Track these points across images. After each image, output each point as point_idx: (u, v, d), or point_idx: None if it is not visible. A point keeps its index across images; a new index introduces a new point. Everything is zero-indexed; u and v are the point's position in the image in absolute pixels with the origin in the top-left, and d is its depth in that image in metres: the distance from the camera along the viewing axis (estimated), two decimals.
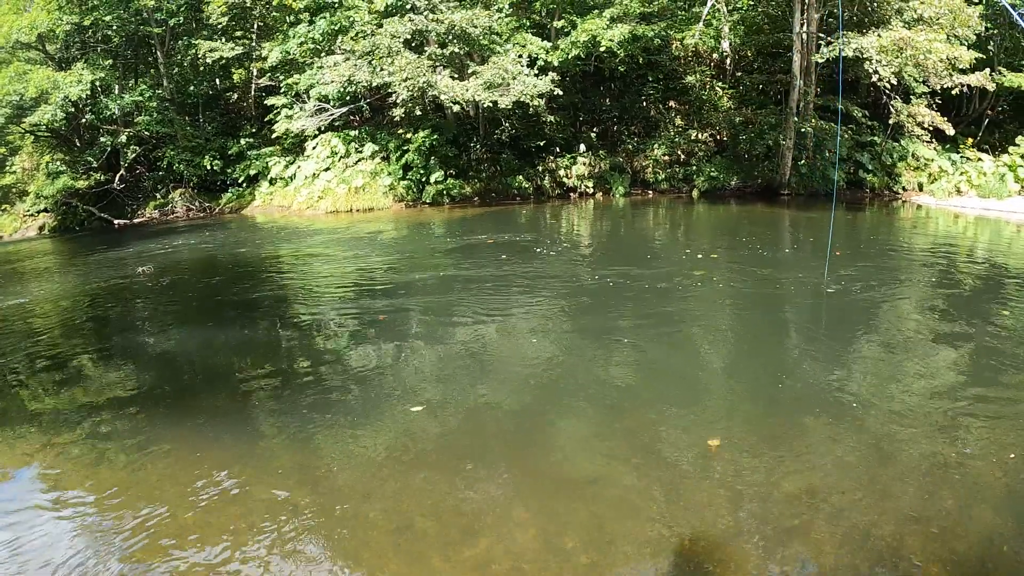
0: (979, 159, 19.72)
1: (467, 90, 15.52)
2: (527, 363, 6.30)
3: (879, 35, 15.70)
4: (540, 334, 7.06)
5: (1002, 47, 20.94)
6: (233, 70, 22.90)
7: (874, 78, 15.77)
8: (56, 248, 17.84)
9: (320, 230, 15.47)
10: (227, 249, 13.77)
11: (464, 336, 7.12)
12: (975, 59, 17.24)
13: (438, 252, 12.07)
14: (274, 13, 20.90)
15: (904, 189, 19.06)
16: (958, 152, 19.97)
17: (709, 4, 18.78)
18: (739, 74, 19.72)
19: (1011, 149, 19.96)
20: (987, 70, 16.96)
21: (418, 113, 16.23)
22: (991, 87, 17.27)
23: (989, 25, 21.08)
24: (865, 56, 15.76)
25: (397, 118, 16.36)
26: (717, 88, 19.12)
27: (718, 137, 18.75)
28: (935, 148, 19.93)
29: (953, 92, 17.50)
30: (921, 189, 19.22)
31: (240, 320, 8.31)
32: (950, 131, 17.10)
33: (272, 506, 4.13)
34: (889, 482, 4.18)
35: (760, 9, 19.60)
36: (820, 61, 16.49)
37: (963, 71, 16.74)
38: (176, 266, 12.27)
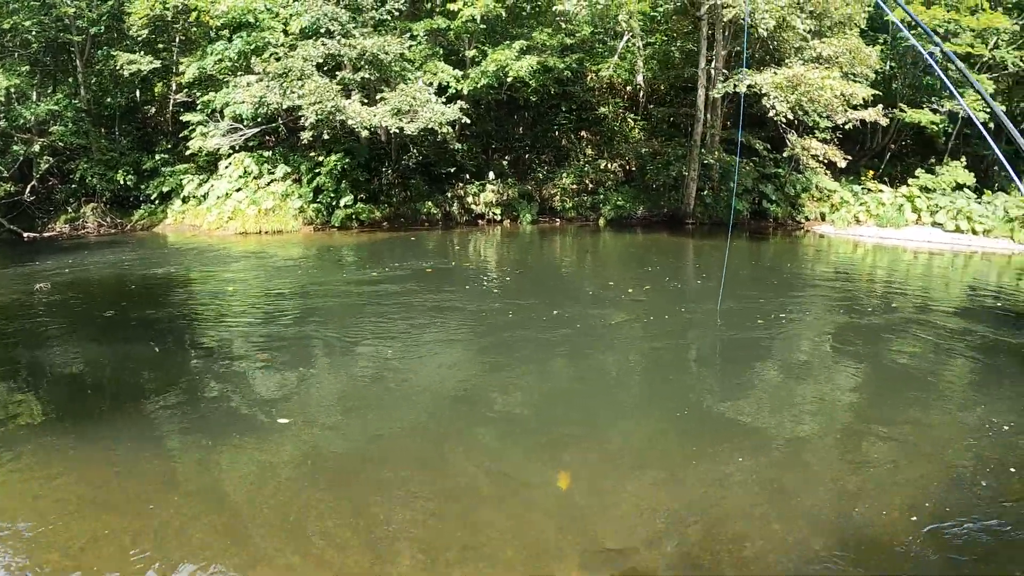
0: (879, 190, 20.65)
1: (375, 116, 15.65)
2: (427, 389, 6.51)
3: (775, 72, 16.37)
4: (442, 362, 7.26)
5: (905, 85, 22.00)
6: (156, 82, 22.57)
7: (771, 113, 16.43)
8: None
9: (228, 251, 15.37)
10: (134, 268, 13.60)
11: (366, 362, 7.27)
12: (873, 96, 18.07)
13: (344, 278, 12.15)
14: (194, 28, 20.74)
15: (807, 219, 19.83)
16: (860, 184, 20.88)
17: (625, 39, 19.30)
18: (651, 106, 20.21)
19: (910, 181, 20.98)
20: (879, 106, 17.79)
21: (326, 137, 16.29)
22: (884, 122, 18.11)
23: (894, 64, 22.13)
24: (763, 92, 16.42)
25: (305, 141, 16.40)
26: (629, 120, 19.63)
27: (627, 167, 19.25)
28: (838, 180, 20.80)
29: (849, 127, 18.31)
30: (824, 219, 20.02)
31: (132, 341, 8.25)
32: (842, 163, 17.86)
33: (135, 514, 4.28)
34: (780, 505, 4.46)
35: (678, 44, 20.23)
36: (716, 96, 17.10)
37: (858, 107, 17.55)
38: (79, 284, 12.06)
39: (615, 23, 17.47)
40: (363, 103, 16.33)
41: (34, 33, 20.80)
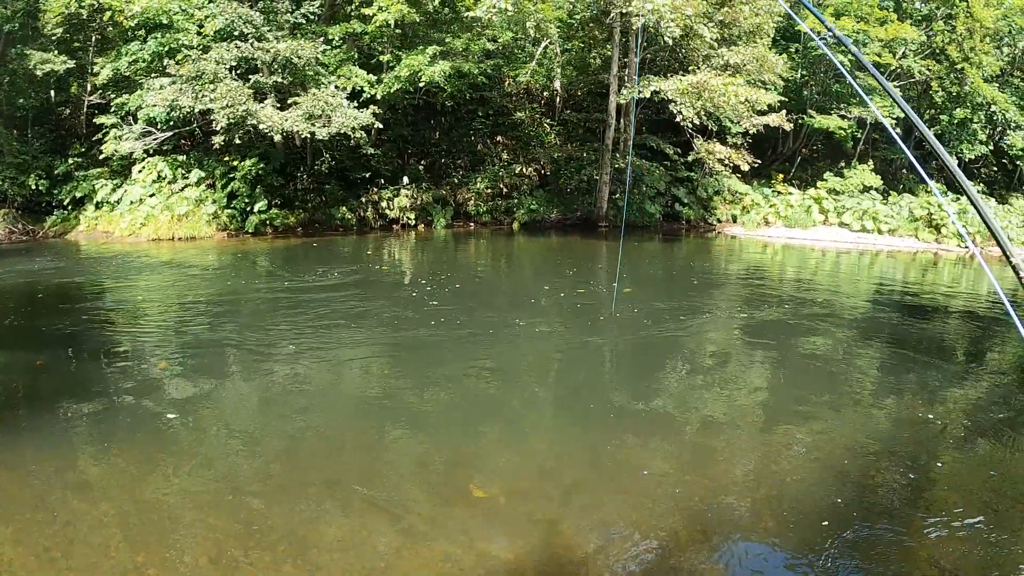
0: (789, 193, 21.35)
1: (286, 120, 15.57)
2: (340, 397, 6.50)
3: (679, 79, 16.79)
4: (356, 370, 7.26)
5: (816, 92, 22.76)
6: (71, 83, 21.99)
7: (678, 118, 16.84)
8: None
9: (139, 259, 15.04)
10: (41, 277, 13.12)
11: (282, 371, 7.19)
12: (779, 102, 18.66)
13: (255, 286, 12.01)
14: (110, 27, 20.28)
15: (719, 221, 20.40)
16: (770, 187, 21.56)
17: (543, 44, 19.53)
18: (567, 112, 20.54)
19: (819, 183, 21.74)
20: (783, 112, 18.38)
21: (238, 141, 16.14)
22: (788, 127, 18.72)
23: (805, 72, 22.87)
24: (670, 99, 16.83)
25: (217, 145, 16.22)
26: (545, 124, 19.89)
27: (542, 171, 19.53)
28: (750, 183, 21.43)
29: (757, 132, 18.85)
30: (735, 221, 20.62)
31: (38, 349, 8.03)
32: (745, 167, 18.38)
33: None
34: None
35: (596, 50, 20.57)
36: (622, 102, 17.45)
37: (763, 113, 18.10)
38: None
39: (529, 30, 17.70)
40: (276, 107, 16.23)
41: None
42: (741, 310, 10.63)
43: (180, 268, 13.93)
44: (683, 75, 17.02)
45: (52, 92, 21.93)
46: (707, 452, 5.49)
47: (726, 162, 17.99)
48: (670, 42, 16.80)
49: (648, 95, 16.05)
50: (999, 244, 2.19)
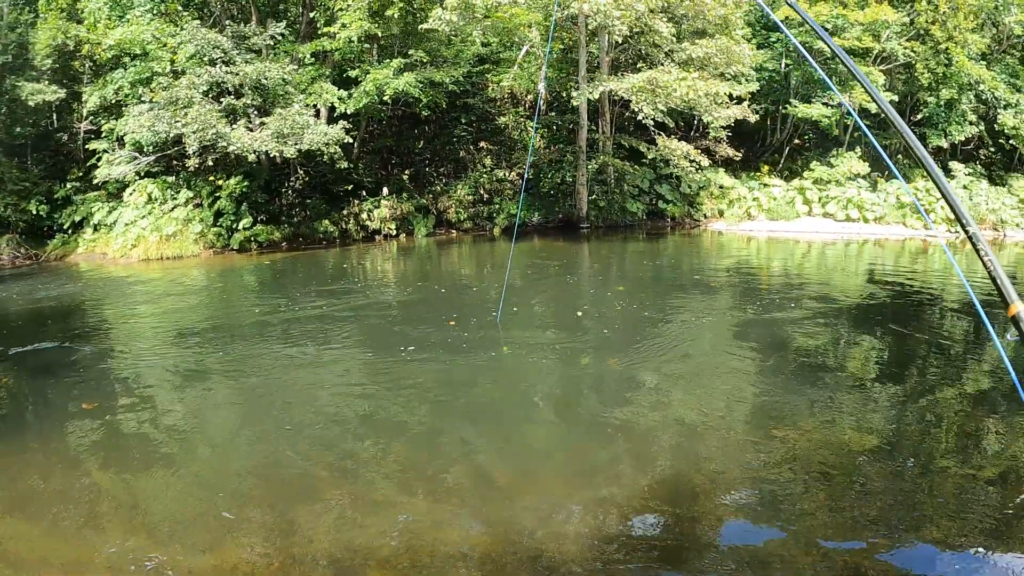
0: (774, 185, 20.67)
1: (256, 140, 15.35)
2: (302, 427, 6.10)
3: (630, 77, 16.08)
4: (334, 390, 6.93)
5: (801, 81, 21.99)
6: (70, 110, 22.04)
7: (640, 116, 16.18)
8: None
9: (132, 279, 14.86)
10: (34, 299, 13.11)
11: (245, 393, 6.89)
12: (749, 93, 17.88)
13: (242, 304, 11.69)
14: (96, 56, 20.27)
15: (705, 216, 19.75)
16: (756, 179, 20.89)
17: (524, 49, 19.01)
18: (551, 114, 20.02)
19: (805, 174, 20.99)
20: (745, 104, 17.52)
21: (211, 163, 15.99)
22: (753, 118, 17.79)
23: (789, 62, 22.10)
24: (627, 97, 16.19)
25: (192, 168, 16.09)
26: (529, 128, 19.39)
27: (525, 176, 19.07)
28: (738, 177, 20.76)
29: (725, 125, 17.92)
30: (722, 215, 20.01)
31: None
32: (705, 162, 17.49)
33: None
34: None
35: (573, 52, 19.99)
36: (576, 104, 16.84)
37: (733, 103, 17.34)
38: None
39: (476, 38, 17.20)
40: (249, 128, 16.04)
41: None
42: (724, 313, 10.01)
43: (163, 288, 13.68)
44: (633, 73, 16.36)
45: (53, 119, 22.01)
46: (680, 493, 4.78)
47: (691, 158, 17.20)
48: (620, 40, 16.19)
49: (596, 96, 15.45)
50: (967, 235, 1.91)
